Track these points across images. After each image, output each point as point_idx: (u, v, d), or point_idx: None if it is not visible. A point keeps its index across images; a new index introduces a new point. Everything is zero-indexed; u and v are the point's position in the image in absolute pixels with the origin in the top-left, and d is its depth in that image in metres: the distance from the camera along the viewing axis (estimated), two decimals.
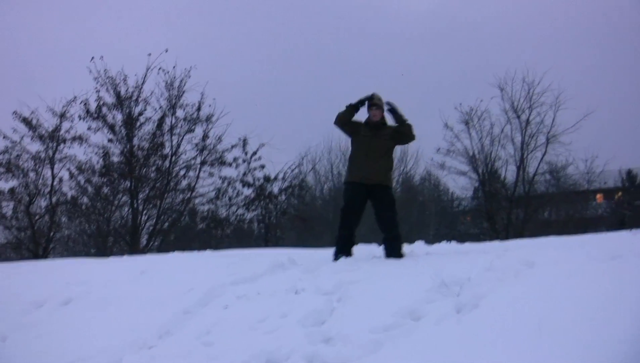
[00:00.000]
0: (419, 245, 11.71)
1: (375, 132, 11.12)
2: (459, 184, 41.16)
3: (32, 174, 30.23)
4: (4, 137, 29.31)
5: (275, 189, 33.59)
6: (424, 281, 7.75)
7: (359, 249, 11.24)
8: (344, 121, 11.23)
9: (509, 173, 38.63)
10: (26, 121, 29.49)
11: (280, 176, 33.59)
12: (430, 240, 12.23)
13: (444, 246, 11.52)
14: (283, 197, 34.26)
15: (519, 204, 37.66)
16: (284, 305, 8.11)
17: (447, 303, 6.96)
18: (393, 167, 11.35)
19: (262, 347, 6.83)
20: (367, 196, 10.98)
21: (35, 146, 30.10)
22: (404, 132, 11.30)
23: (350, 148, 11.52)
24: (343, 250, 10.93)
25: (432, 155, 40.88)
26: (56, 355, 7.97)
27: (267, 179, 33.01)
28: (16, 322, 9.51)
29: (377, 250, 11.35)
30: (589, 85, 70.09)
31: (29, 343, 8.55)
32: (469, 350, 5.62)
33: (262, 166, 32.74)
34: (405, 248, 11.08)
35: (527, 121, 37.07)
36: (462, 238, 12.45)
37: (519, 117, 37.20)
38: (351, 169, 11.23)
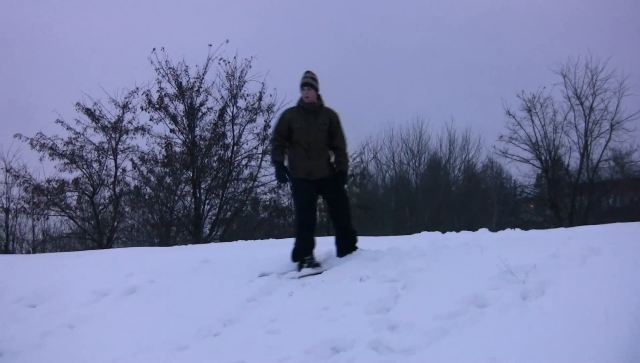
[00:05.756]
0: (483, 233, 11.57)
1: (311, 120, 10.37)
2: (522, 171, 40.95)
3: (95, 165, 30.56)
4: (67, 128, 29.63)
5: None
6: (488, 268, 7.67)
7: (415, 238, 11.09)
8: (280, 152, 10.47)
9: (572, 160, 38.41)
10: (89, 113, 29.80)
11: None
12: (494, 228, 12.07)
13: (508, 234, 11.37)
14: (346, 185, 34.21)
15: (582, 191, 37.35)
16: (348, 293, 8.09)
17: (513, 290, 6.89)
18: (341, 150, 10.62)
19: (326, 335, 6.83)
20: (317, 190, 10.52)
21: (98, 137, 30.44)
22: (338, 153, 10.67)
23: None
24: (309, 251, 10.18)
25: (494, 143, 40.71)
26: (122, 344, 8.03)
27: None
28: (82, 311, 9.59)
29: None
30: None
31: (96, 332, 8.61)
32: (535, 338, 5.57)
33: None
34: (469, 235, 10.93)
35: (591, 108, 36.80)
36: (525, 226, 12.28)
37: (582, 104, 36.96)
38: (294, 165, 10.43)
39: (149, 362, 7.37)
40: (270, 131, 30.63)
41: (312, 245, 10.21)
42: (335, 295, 8.17)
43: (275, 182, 32.09)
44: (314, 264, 9.97)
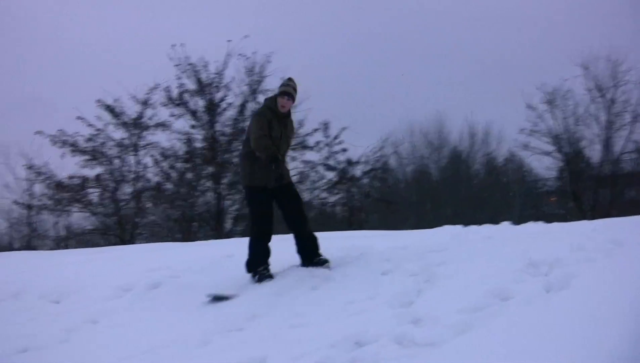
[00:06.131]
0: (505, 226, 11.54)
1: (282, 129, 10.00)
2: (543, 164, 40.89)
3: (116, 161, 30.67)
4: (88, 125, 29.76)
5: (358, 173, 33.63)
6: (512, 261, 7.67)
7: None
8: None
9: (594, 153, 38.27)
10: (110, 109, 29.95)
11: (363, 159, 33.62)
12: (516, 221, 12.03)
13: (530, 227, 11.34)
14: (366, 180, 34.27)
15: (605, 184, 37.25)
16: (371, 287, 8.11)
17: (536, 283, 6.87)
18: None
19: (350, 329, 6.80)
20: (272, 197, 10.03)
21: (119, 134, 30.59)
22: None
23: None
24: (265, 261, 9.89)
25: (515, 136, 40.67)
26: (146, 338, 8.05)
27: (349, 162, 33.07)
28: (106, 306, 9.64)
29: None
30: None
31: (120, 327, 8.64)
32: (560, 331, 5.53)
33: (344, 150, 32.80)
34: (491, 228, 10.89)
35: (612, 100, 36.66)
36: (547, 219, 12.23)
37: (603, 96, 36.81)
38: (253, 173, 9.86)
39: (172, 356, 7.38)
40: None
41: (267, 255, 9.89)
42: (358, 289, 8.18)
43: (296, 177, 32.23)
44: (267, 275, 9.68)
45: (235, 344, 7.35)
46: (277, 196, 10.03)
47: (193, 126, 31.00)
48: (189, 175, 31.38)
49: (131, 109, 30.42)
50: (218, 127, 31.13)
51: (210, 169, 30.77)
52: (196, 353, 7.32)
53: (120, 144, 30.54)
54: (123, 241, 29.03)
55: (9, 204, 35.32)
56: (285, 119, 10.09)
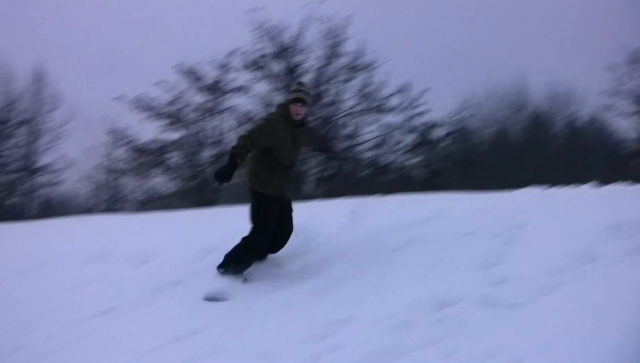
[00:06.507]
0: (588, 188, 11.38)
1: (295, 137, 9.19)
2: (627, 126, 40.33)
3: (196, 126, 30.91)
4: (169, 89, 30.05)
5: (439, 135, 33.39)
6: (596, 222, 7.55)
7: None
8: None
9: None
10: (189, 74, 30.16)
11: (444, 121, 33.37)
12: (598, 183, 11.83)
13: (614, 188, 11.17)
14: (447, 142, 34.05)
15: None
16: (453, 249, 8.07)
17: (622, 244, 6.78)
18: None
19: (433, 290, 6.81)
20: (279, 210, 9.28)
21: (198, 98, 30.79)
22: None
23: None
24: (240, 270, 9.11)
25: (597, 97, 40.17)
26: (230, 300, 8.14)
27: (429, 125, 32.82)
28: (189, 268, 9.70)
29: None
30: None
31: (202, 290, 8.66)
32: None
33: (425, 112, 32.57)
34: (574, 190, 10.76)
35: None
36: (631, 181, 12.02)
37: None
38: (267, 182, 9.20)
39: (255, 316, 7.45)
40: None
41: (248, 266, 9.17)
42: (440, 251, 8.16)
43: (376, 140, 32.14)
44: (242, 279, 9.04)
45: (319, 306, 7.39)
46: (280, 212, 9.35)
47: (272, 90, 31.11)
48: None
49: (210, 74, 30.67)
50: None
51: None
52: (280, 314, 7.40)
53: (199, 109, 30.80)
54: (203, 205, 29.33)
55: (90, 169, 35.98)
56: (299, 127, 9.29)
